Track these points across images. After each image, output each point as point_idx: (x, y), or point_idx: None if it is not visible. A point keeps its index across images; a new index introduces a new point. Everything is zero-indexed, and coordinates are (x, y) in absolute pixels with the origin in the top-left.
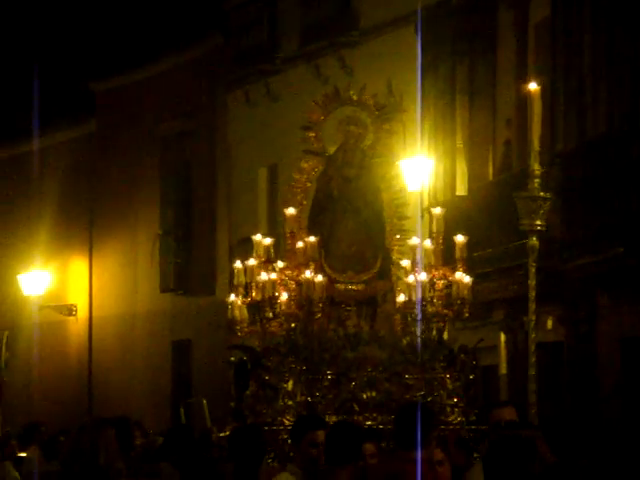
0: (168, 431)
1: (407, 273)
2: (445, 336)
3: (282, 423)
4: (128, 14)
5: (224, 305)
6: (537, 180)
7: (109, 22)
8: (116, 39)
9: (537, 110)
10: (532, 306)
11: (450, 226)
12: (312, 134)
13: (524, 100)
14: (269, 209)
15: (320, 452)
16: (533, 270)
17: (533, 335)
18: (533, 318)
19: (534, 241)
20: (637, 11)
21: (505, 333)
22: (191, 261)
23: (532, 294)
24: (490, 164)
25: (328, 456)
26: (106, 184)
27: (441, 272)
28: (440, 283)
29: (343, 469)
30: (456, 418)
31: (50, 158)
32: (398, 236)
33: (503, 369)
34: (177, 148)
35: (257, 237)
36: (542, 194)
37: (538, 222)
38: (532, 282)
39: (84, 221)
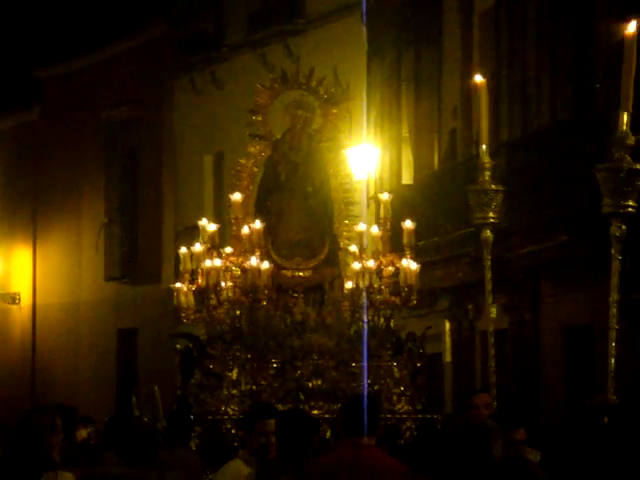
0: (110, 420)
1: (355, 259)
2: (392, 324)
3: (226, 412)
4: (74, 0)
5: (170, 293)
6: (488, 173)
7: (54, 8)
8: (61, 26)
9: (484, 103)
10: (489, 298)
11: (396, 215)
12: (259, 118)
13: (469, 89)
14: (215, 197)
15: (270, 440)
16: (489, 263)
17: (491, 329)
18: (493, 310)
19: (488, 234)
20: (580, 2)
21: (450, 321)
22: (137, 249)
23: (489, 287)
24: (436, 153)
25: (280, 444)
26: (50, 172)
27: (389, 259)
28: (388, 270)
29: (295, 458)
30: (403, 407)
31: None
32: (346, 222)
33: (448, 357)
34: (122, 136)
35: (203, 222)
36: (494, 187)
37: (491, 215)
38: (488, 274)
39: (27, 209)
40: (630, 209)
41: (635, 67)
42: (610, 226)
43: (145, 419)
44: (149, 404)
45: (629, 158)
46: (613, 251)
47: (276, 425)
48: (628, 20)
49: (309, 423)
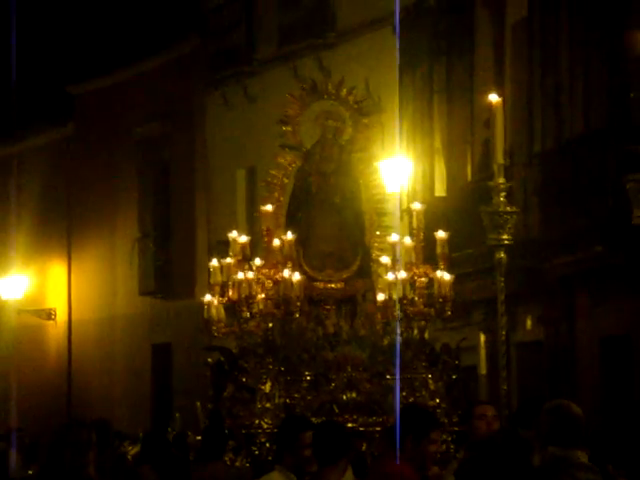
0: (146, 435)
1: (387, 270)
2: (426, 336)
3: (260, 426)
4: (106, 17)
5: (203, 307)
6: (503, 194)
7: (87, 25)
8: (94, 42)
9: (500, 122)
10: (502, 320)
11: (429, 227)
12: (289, 128)
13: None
14: (248, 210)
15: (308, 453)
16: (502, 285)
17: (504, 348)
18: (503, 333)
19: (502, 255)
20: (613, 11)
21: (484, 333)
22: (170, 264)
23: (502, 309)
24: (469, 164)
25: (317, 457)
26: (84, 187)
27: (422, 270)
28: (421, 281)
29: (332, 468)
30: (439, 419)
31: (28, 162)
32: (378, 233)
33: (483, 369)
34: (155, 150)
35: (233, 234)
36: (508, 208)
37: (505, 237)
38: (501, 297)
39: (62, 224)
40: None
41: None
42: None
43: (189, 433)
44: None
45: None
46: None
47: (312, 438)
48: None
49: (345, 435)
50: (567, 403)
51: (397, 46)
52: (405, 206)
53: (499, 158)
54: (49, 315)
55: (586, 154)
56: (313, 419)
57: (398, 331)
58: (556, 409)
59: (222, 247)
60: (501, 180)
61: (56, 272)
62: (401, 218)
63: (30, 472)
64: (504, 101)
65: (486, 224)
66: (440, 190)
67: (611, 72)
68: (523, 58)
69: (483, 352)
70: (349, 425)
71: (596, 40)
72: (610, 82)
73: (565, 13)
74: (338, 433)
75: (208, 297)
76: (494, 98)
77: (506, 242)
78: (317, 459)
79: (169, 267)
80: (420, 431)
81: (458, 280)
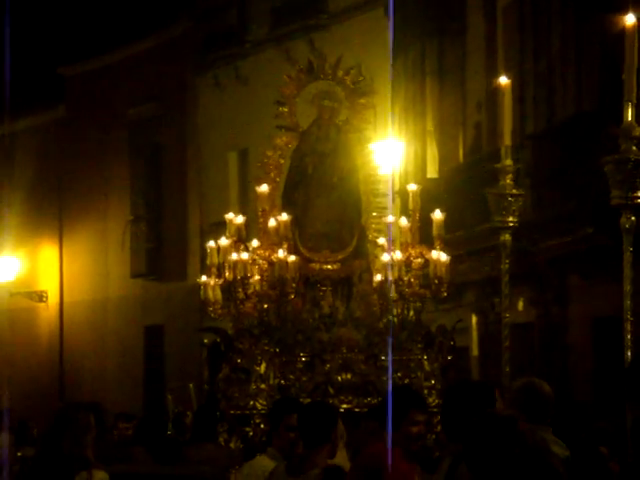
0: (142, 418)
1: (384, 251)
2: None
3: (254, 407)
4: None
5: (196, 289)
6: (509, 176)
7: (78, 7)
8: (85, 24)
9: (508, 104)
10: (505, 302)
11: (422, 208)
12: (285, 109)
13: (493, 82)
14: (240, 193)
15: (298, 435)
16: (507, 267)
17: (507, 331)
18: (506, 315)
19: (507, 237)
20: None
21: (476, 315)
22: (162, 246)
23: (506, 290)
24: (461, 146)
25: (304, 438)
26: (76, 169)
27: (418, 250)
28: (417, 262)
29: (319, 451)
30: (434, 400)
31: (19, 144)
32: (375, 214)
33: (475, 351)
34: (147, 132)
35: (229, 215)
36: (514, 191)
37: (510, 219)
38: (505, 277)
39: (54, 207)
40: (639, 200)
41: (637, 58)
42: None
43: (188, 413)
44: (183, 401)
45: (636, 149)
46: (624, 243)
47: (297, 419)
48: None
49: (328, 414)
50: (538, 381)
51: (389, 28)
52: (397, 188)
53: (506, 140)
54: (41, 297)
55: (577, 136)
56: (308, 400)
57: (392, 312)
58: (526, 387)
59: (215, 229)
60: (508, 162)
61: (48, 254)
62: (393, 200)
63: (19, 454)
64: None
65: (491, 205)
66: (432, 172)
67: (603, 54)
68: (515, 40)
69: (475, 334)
70: (344, 406)
71: (587, 22)
72: (602, 64)
73: None
74: (324, 414)
75: (204, 278)
76: (503, 80)
77: (511, 224)
78: (303, 440)
79: (161, 249)
80: (400, 411)
81: (450, 262)
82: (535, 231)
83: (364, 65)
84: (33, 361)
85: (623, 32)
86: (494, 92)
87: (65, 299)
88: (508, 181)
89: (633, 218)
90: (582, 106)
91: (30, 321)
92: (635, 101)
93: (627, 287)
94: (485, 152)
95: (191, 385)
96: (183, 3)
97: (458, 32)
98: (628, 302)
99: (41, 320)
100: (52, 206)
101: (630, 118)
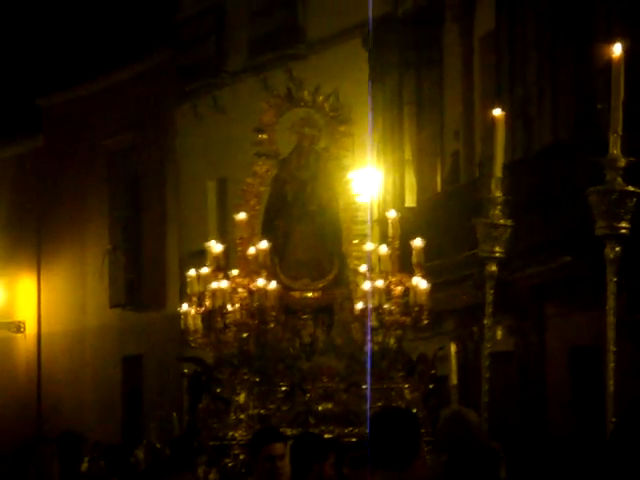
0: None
1: (365, 279)
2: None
3: (233, 437)
4: (76, 28)
5: (175, 319)
6: (499, 207)
7: (56, 37)
8: (63, 53)
9: (501, 136)
10: (488, 334)
11: (400, 237)
12: (264, 136)
13: (471, 111)
14: (219, 222)
15: (275, 465)
16: (491, 298)
17: (487, 363)
18: (488, 346)
19: (493, 268)
20: (580, 23)
21: (455, 343)
22: (141, 275)
23: (489, 321)
24: (438, 176)
25: (294, 470)
26: (54, 199)
27: (398, 278)
28: (397, 289)
29: None
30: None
31: None
32: (355, 241)
33: (454, 379)
34: (125, 162)
35: (210, 243)
36: (503, 221)
37: (497, 249)
38: (489, 309)
39: (32, 237)
40: (623, 230)
41: (624, 89)
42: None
43: (158, 445)
44: (165, 431)
45: (620, 180)
46: (608, 273)
47: (290, 449)
48: (615, 42)
49: (322, 447)
50: (465, 410)
51: (368, 58)
52: (376, 216)
53: (497, 172)
54: (18, 328)
55: (554, 164)
56: (288, 430)
57: (370, 339)
58: (453, 417)
59: (194, 258)
60: (498, 193)
61: (26, 284)
62: (372, 228)
63: None
64: (473, 113)
65: (480, 235)
66: (410, 201)
67: (578, 84)
68: (491, 70)
69: (454, 362)
70: (326, 436)
71: (563, 52)
72: (577, 94)
73: (532, 26)
74: (308, 445)
75: (185, 307)
76: (497, 112)
77: (498, 255)
78: (292, 471)
79: (140, 279)
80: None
81: (430, 289)
82: (513, 260)
83: (342, 94)
84: (11, 392)
85: (598, 60)
86: (471, 121)
87: (43, 329)
88: (497, 212)
89: (618, 249)
90: (558, 134)
91: (8, 352)
92: (621, 133)
93: (611, 318)
94: (463, 181)
95: (174, 414)
96: (161, 33)
97: (435, 62)
98: (612, 333)
99: (19, 350)
100: (30, 236)
101: (616, 150)
